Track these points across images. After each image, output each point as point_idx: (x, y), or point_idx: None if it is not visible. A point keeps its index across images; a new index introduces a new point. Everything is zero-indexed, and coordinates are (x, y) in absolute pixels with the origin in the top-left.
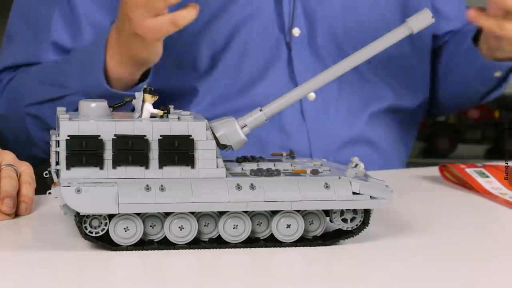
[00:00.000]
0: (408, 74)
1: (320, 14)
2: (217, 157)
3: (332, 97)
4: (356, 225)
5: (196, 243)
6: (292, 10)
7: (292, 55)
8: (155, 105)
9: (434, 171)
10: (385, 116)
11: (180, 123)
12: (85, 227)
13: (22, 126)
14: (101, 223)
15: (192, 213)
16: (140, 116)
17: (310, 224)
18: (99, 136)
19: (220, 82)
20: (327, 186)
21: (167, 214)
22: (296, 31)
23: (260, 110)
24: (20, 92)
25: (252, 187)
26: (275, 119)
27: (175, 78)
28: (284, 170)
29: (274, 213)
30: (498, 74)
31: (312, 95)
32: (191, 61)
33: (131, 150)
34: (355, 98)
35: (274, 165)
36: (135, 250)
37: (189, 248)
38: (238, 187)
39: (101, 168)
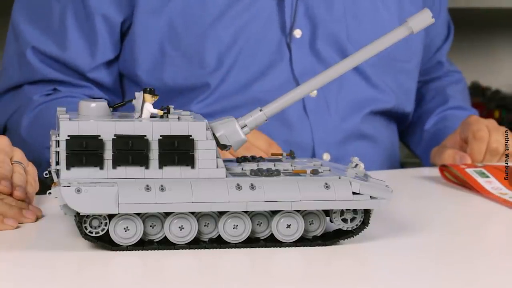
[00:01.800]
0: (408, 79)
1: (322, 16)
2: (217, 157)
3: (333, 95)
4: (356, 225)
5: (196, 243)
6: (293, 12)
7: (292, 56)
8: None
9: (434, 171)
10: (387, 116)
11: (180, 123)
12: (85, 227)
13: (40, 155)
14: (101, 223)
15: (192, 213)
16: (140, 116)
17: (310, 224)
18: (99, 136)
19: (226, 79)
20: (327, 186)
21: (167, 214)
22: (297, 33)
23: (260, 110)
24: (45, 128)
25: (252, 187)
26: (278, 114)
27: (182, 74)
28: (284, 170)
29: (274, 213)
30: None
31: (313, 92)
32: (199, 58)
33: (131, 150)
34: (356, 96)
35: (274, 165)
36: (135, 250)
37: (189, 248)
38: (238, 187)
39: (101, 168)
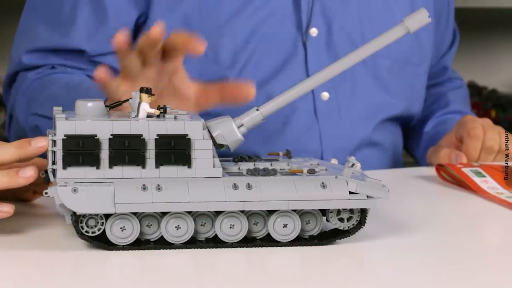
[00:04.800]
0: (417, 82)
1: (338, 15)
2: (213, 156)
3: (346, 98)
4: (353, 224)
5: (192, 242)
6: (310, 10)
7: (307, 55)
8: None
9: (431, 170)
10: (396, 121)
11: (176, 123)
12: (82, 226)
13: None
14: (98, 222)
15: (189, 212)
16: (137, 115)
17: (306, 224)
18: (96, 135)
19: (241, 76)
20: (323, 186)
21: (164, 214)
22: (313, 31)
23: (257, 110)
24: (34, 99)
25: (249, 186)
26: (287, 117)
27: (197, 70)
28: (280, 169)
29: (270, 212)
30: None
31: (325, 95)
32: (213, 55)
33: (127, 150)
34: (369, 101)
35: (271, 165)
36: (132, 249)
37: (186, 248)
38: (235, 186)
39: (98, 167)
